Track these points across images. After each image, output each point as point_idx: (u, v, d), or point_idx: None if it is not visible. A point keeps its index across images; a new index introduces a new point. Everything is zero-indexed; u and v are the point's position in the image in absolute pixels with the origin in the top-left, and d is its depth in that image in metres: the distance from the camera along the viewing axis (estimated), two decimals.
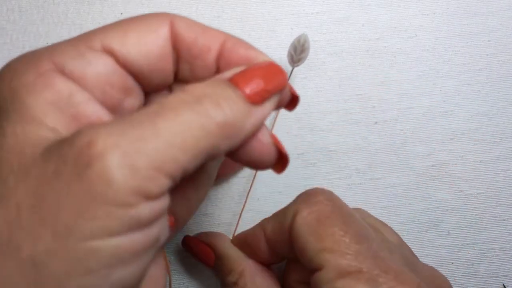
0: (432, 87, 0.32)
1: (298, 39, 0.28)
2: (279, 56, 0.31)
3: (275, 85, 0.20)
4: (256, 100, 0.19)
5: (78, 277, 0.15)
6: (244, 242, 0.27)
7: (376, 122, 0.32)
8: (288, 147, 0.30)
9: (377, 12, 0.32)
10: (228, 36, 0.21)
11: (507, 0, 0.33)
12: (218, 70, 0.21)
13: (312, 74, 0.32)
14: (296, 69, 0.30)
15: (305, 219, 0.23)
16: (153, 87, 0.21)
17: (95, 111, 0.18)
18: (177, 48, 0.20)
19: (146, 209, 0.16)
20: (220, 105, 0.17)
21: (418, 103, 0.32)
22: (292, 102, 0.23)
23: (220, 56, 0.21)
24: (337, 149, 0.31)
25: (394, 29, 0.32)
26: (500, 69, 0.32)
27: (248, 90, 0.18)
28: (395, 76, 0.32)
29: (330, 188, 0.31)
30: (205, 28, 0.21)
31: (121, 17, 0.31)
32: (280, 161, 0.21)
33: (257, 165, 0.20)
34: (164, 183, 0.16)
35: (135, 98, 0.21)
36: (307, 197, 0.24)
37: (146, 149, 0.15)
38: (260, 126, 0.19)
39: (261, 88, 0.19)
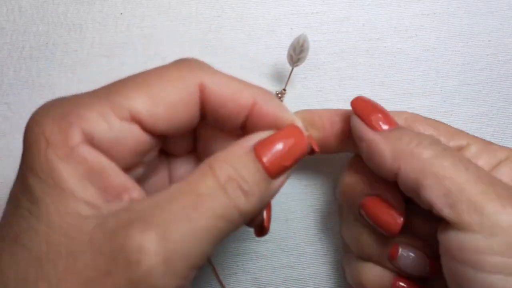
0: (432, 87, 0.32)
1: (297, 39, 0.28)
2: (279, 56, 0.32)
3: (295, 158, 0.21)
4: (276, 174, 0.20)
5: None
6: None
7: None
8: None
9: (377, 12, 0.32)
10: (258, 94, 0.21)
11: (507, 0, 0.33)
12: (243, 126, 0.22)
13: (312, 74, 0.32)
14: (296, 69, 0.30)
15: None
16: (174, 140, 0.22)
17: (121, 181, 0.19)
18: (205, 110, 0.21)
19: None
20: (244, 192, 0.19)
21: (418, 103, 0.32)
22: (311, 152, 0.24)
23: (248, 117, 0.21)
24: None
25: (394, 29, 0.32)
26: (500, 69, 0.32)
27: (268, 163, 0.20)
28: (395, 76, 0.32)
29: (331, 189, 0.31)
30: (235, 90, 0.21)
31: (121, 17, 0.31)
32: (261, 230, 0.24)
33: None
34: (192, 275, 0.18)
35: (154, 152, 0.22)
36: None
37: (184, 252, 0.17)
38: (275, 194, 0.21)
39: (281, 164, 0.20)
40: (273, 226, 0.31)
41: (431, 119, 0.26)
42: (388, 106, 0.32)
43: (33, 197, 0.18)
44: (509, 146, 0.32)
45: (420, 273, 0.24)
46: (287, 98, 0.31)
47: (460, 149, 0.25)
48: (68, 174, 0.18)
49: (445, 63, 0.32)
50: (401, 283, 0.24)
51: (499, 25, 0.33)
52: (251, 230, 0.31)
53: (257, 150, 0.20)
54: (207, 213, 0.18)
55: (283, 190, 0.31)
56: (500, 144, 0.32)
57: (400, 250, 0.24)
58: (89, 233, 0.17)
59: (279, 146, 0.20)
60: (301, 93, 0.32)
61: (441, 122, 0.26)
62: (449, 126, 0.26)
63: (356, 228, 0.26)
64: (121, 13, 0.32)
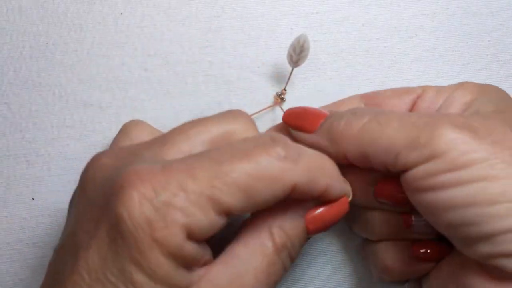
0: None
1: (297, 40, 0.28)
2: (279, 56, 0.31)
3: (334, 224, 0.23)
4: (314, 232, 0.23)
5: None
6: None
7: None
8: None
9: (377, 12, 0.32)
10: (331, 178, 0.22)
11: (507, 0, 0.33)
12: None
13: (312, 74, 0.32)
14: (296, 69, 0.30)
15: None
16: None
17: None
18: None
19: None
20: (291, 257, 0.22)
21: None
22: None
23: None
24: None
25: (394, 29, 0.32)
26: (500, 69, 0.32)
27: (313, 229, 0.22)
28: (395, 76, 0.32)
29: None
30: (316, 175, 0.21)
31: (121, 17, 0.31)
32: None
33: None
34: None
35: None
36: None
37: None
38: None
39: (321, 230, 0.23)
40: None
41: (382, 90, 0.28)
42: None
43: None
44: None
45: (434, 234, 0.25)
46: (287, 98, 0.31)
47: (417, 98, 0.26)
48: (172, 269, 0.19)
49: (445, 63, 0.32)
50: (421, 249, 0.25)
51: (499, 25, 0.33)
52: None
53: (308, 221, 0.22)
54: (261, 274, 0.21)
55: None
56: None
57: (413, 217, 0.25)
58: None
59: (327, 219, 0.23)
60: (301, 93, 0.32)
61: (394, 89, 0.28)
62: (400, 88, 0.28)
63: (366, 214, 0.27)
64: (121, 13, 0.32)
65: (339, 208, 0.23)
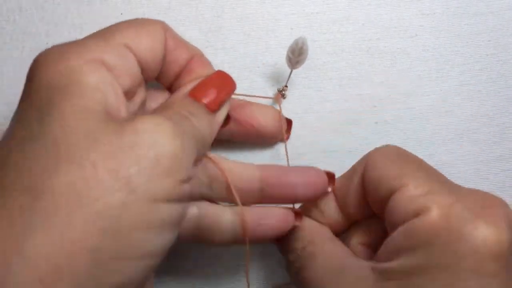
0: (432, 87, 0.32)
1: (296, 42, 0.28)
2: (279, 56, 0.31)
3: (226, 92, 0.25)
4: (214, 108, 0.24)
5: (140, 230, 0.19)
6: (311, 204, 0.28)
7: (376, 122, 0.32)
8: (289, 148, 0.30)
9: (377, 12, 0.32)
10: (196, 53, 0.26)
11: (507, 0, 0.33)
12: (178, 75, 0.26)
13: (312, 74, 0.32)
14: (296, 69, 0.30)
15: (382, 151, 0.25)
16: (147, 80, 0.25)
17: (123, 101, 0.22)
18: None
19: (188, 188, 0.21)
20: (198, 123, 0.23)
21: (418, 103, 0.32)
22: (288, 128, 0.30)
23: (185, 66, 0.26)
24: (337, 149, 0.31)
25: (394, 29, 0.32)
26: (500, 69, 0.32)
27: (205, 100, 0.24)
28: (395, 76, 0.32)
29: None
30: (182, 42, 0.26)
31: (121, 17, 0.31)
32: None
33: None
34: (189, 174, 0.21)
35: (142, 91, 0.24)
36: (377, 148, 0.26)
37: (190, 145, 0.21)
38: (219, 127, 0.25)
39: (215, 96, 0.24)
40: None
41: None
42: (388, 106, 0.32)
43: (44, 101, 0.20)
44: (509, 146, 0.32)
45: None
46: (288, 98, 0.31)
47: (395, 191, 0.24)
48: (89, 79, 0.20)
49: (445, 63, 0.32)
50: None
51: (499, 25, 0.33)
52: None
53: (193, 93, 0.24)
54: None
55: None
56: (500, 144, 0.32)
57: None
58: (109, 119, 0.20)
59: (209, 83, 0.24)
60: (301, 93, 0.32)
61: None
62: None
63: None
64: (121, 13, 0.32)
65: (217, 76, 0.25)
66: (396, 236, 0.22)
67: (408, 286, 0.21)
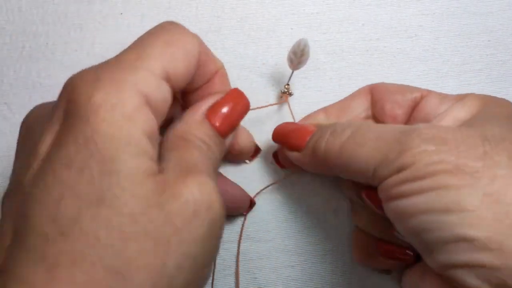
0: (432, 87, 0.32)
1: (298, 44, 0.28)
2: (279, 56, 0.32)
3: (239, 111, 0.25)
4: (225, 132, 0.24)
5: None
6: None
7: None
8: None
9: (377, 12, 0.32)
10: (220, 67, 0.26)
11: (507, 0, 0.33)
12: (200, 86, 0.25)
13: (312, 74, 0.32)
14: None
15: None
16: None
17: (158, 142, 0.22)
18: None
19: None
20: (208, 148, 0.23)
21: None
22: (255, 153, 0.31)
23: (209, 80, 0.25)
24: None
25: (394, 29, 0.32)
26: (500, 69, 0.32)
27: (219, 126, 0.24)
28: (395, 76, 0.32)
29: (330, 188, 0.31)
30: (211, 57, 0.25)
31: (121, 17, 0.31)
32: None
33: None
34: None
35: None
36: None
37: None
38: (227, 149, 0.25)
39: (228, 122, 0.24)
40: (273, 226, 0.31)
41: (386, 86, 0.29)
42: None
43: (105, 157, 0.18)
44: None
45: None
46: (289, 98, 0.31)
47: (418, 99, 0.27)
48: (138, 132, 0.19)
49: (445, 63, 0.32)
50: (385, 246, 0.27)
51: (499, 25, 0.33)
52: (251, 230, 0.31)
53: (209, 115, 0.24)
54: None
55: (283, 190, 0.31)
56: None
57: None
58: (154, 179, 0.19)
59: (225, 109, 0.24)
60: (301, 93, 0.32)
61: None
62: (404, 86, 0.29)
63: (359, 210, 0.29)
64: (121, 13, 0.32)
65: (232, 95, 0.25)
66: (440, 120, 0.25)
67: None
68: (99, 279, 0.17)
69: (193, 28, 0.32)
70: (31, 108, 0.23)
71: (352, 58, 0.32)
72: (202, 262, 0.20)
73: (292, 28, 0.32)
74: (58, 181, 0.18)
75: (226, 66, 0.31)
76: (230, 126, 0.24)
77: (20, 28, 0.31)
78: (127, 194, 0.18)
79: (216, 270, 0.31)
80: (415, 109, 0.27)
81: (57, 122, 0.20)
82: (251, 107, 0.26)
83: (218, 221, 0.20)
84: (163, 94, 0.21)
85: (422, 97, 0.27)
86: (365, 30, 0.32)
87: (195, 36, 0.23)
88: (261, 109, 0.30)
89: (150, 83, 0.20)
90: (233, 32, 0.32)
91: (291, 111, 0.30)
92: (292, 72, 0.30)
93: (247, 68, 0.32)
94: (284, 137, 0.28)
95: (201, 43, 0.24)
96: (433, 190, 0.20)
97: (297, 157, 0.27)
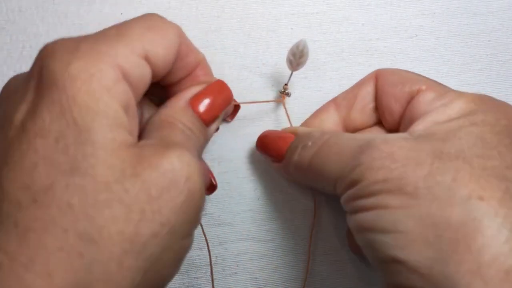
0: None
1: (297, 45, 0.28)
2: (279, 56, 0.32)
3: (222, 101, 0.26)
4: (209, 121, 0.25)
5: (172, 266, 0.21)
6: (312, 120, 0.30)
7: None
8: None
9: (377, 12, 0.32)
10: (201, 59, 0.26)
11: (507, 0, 0.33)
12: (181, 78, 0.26)
13: (312, 74, 0.32)
14: None
15: (389, 68, 0.28)
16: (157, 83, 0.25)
17: (137, 120, 0.22)
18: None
19: None
20: (192, 131, 0.23)
21: None
22: (234, 111, 0.29)
23: (193, 71, 0.26)
24: None
25: (394, 29, 0.32)
26: (500, 69, 0.32)
27: (204, 114, 0.24)
28: None
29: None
30: (193, 48, 0.25)
31: (121, 17, 0.31)
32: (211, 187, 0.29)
33: None
34: None
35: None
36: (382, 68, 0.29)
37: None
38: (211, 137, 0.26)
39: (212, 112, 0.25)
40: (273, 226, 0.31)
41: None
42: None
43: (81, 127, 0.18)
44: None
45: None
46: (287, 99, 0.31)
47: (415, 93, 0.26)
48: (115, 104, 0.19)
49: (445, 63, 0.32)
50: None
51: (499, 25, 0.33)
52: (251, 230, 0.31)
53: (192, 103, 0.24)
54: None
55: (282, 190, 0.31)
56: None
57: None
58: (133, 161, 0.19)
59: (209, 98, 0.25)
60: (301, 93, 0.32)
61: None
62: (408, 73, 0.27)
63: None
64: (121, 13, 0.32)
65: (216, 86, 0.25)
66: (433, 114, 0.23)
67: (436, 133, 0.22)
68: (70, 245, 0.17)
69: (193, 28, 0.32)
70: None
71: (352, 58, 0.32)
72: (181, 231, 0.20)
73: (292, 28, 0.32)
74: (32, 150, 0.18)
75: (226, 66, 0.31)
76: (213, 114, 0.25)
77: (20, 28, 0.31)
78: (102, 164, 0.18)
79: (216, 270, 0.31)
80: (410, 104, 0.26)
81: (32, 89, 0.19)
82: (247, 102, 0.27)
83: (198, 192, 0.20)
84: (141, 71, 0.21)
85: (418, 92, 0.25)
86: (365, 30, 0.32)
87: (176, 26, 0.24)
88: (259, 108, 0.30)
89: (129, 59, 0.20)
90: (233, 32, 0.32)
91: (286, 112, 0.30)
92: (292, 73, 0.30)
93: (247, 68, 0.32)
94: (265, 147, 0.29)
95: (181, 33, 0.24)
96: (374, 209, 0.21)
97: (277, 168, 0.29)
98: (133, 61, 0.21)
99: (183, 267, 0.31)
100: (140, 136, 0.23)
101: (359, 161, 0.22)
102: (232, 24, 0.32)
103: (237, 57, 0.32)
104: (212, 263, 0.31)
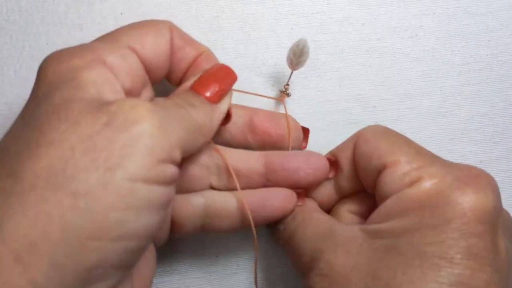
0: (432, 87, 0.32)
1: (297, 44, 0.28)
2: (279, 56, 0.32)
3: (227, 83, 0.25)
4: (215, 99, 0.24)
5: (118, 211, 0.19)
6: None
7: (376, 122, 0.32)
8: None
9: (377, 12, 0.32)
10: (204, 50, 0.27)
11: (507, 0, 0.33)
12: (186, 71, 0.26)
13: (312, 74, 0.32)
14: None
15: (373, 128, 0.27)
16: (155, 80, 0.26)
17: (122, 97, 0.22)
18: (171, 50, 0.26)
19: (172, 169, 0.21)
20: (196, 110, 0.23)
21: (418, 103, 0.32)
22: (305, 136, 0.30)
23: (192, 63, 0.26)
24: None
25: (394, 29, 0.32)
26: (500, 69, 0.32)
27: (207, 93, 0.24)
28: (395, 76, 0.32)
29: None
30: (190, 40, 0.26)
31: (121, 17, 0.32)
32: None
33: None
34: (179, 157, 0.21)
35: (148, 91, 0.26)
36: (368, 126, 0.28)
37: (173, 128, 0.21)
38: (222, 118, 0.25)
39: (216, 88, 0.24)
40: None
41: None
42: (388, 106, 0.32)
43: (44, 96, 0.20)
44: (509, 146, 0.32)
45: None
46: (287, 99, 0.31)
47: (382, 169, 0.25)
48: (87, 74, 0.21)
49: (445, 63, 0.32)
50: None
51: (499, 25, 0.33)
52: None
53: (194, 86, 0.24)
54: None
55: None
56: (500, 144, 0.32)
57: None
58: (90, 105, 0.20)
59: (211, 77, 0.25)
60: (301, 93, 0.32)
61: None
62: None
63: None
64: (121, 13, 0.32)
65: (219, 69, 0.25)
66: (388, 203, 0.23)
67: (398, 243, 0.22)
68: None
69: (193, 28, 0.32)
70: None
71: (352, 58, 0.32)
72: (126, 172, 0.19)
73: (292, 28, 0.32)
74: (12, 135, 0.20)
75: None
76: (217, 91, 0.24)
77: (20, 28, 0.31)
78: (46, 111, 0.20)
79: (216, 270, 0.31)
80: (377, 179, 0.25)
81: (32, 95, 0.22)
82: (248, 91, 0.28)
83: (144, 136, 0.20)
84: (125, 59, 0.23)
85: (385, 168, 0.24)
86: (365, 30, 0.32)
87: (165, 21, 0.25)
88: (259, 106, 0.30)
89: (106, 48, 0.23)
90: (233, 32, 0.32)
91: (286, 112, 0.30)
92: (292, 72, 0.30)
93: (247, 68, 0.32)
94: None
95: (173, 27, 0.25)
96: None
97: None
98: (111, 50, 0.23)
99: (183, 266, 0.31)
100: None
101: (310, 267, 0.24)
102: (232, 24, 0.32)
103: (237, 57, 0.32)
104: (212, 263, 0.31)
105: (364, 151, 0.26)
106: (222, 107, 0.25)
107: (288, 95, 0.31)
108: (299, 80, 0.32)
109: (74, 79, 0.21)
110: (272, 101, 0.31)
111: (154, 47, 0.24)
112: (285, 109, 0.30)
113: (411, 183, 0.23)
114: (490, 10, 0.33)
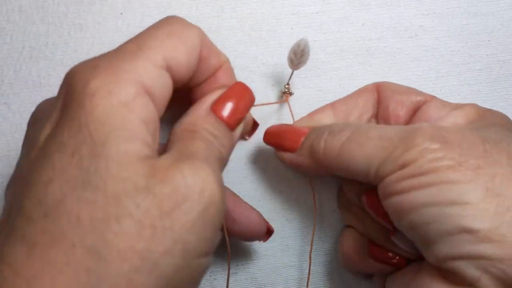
0: (432, 87, 0.32)
1: (298, 44, 0.28)
2: (279, 56, 0.32)
3: (246, 106, 0.25)
4: (234, 126, 0.24)
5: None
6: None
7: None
8: None
9: (377, 12, 0.32)
10: (224, 61, 0.26)
11: (507, 0, 0.33)
12: (203, 81, 0.25)
13: (312, 74, 0.32)
14: None
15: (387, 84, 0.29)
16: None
17: (158, 133, 0.21)
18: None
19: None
20: (223, 149, 0.23)
21: None
22: (252, 128, 0.30)
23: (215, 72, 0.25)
24: None
25: (394, 29, 0.32)
26: (500, 69, 0.32)
27: (230, 120, 0.23)
28: (395, 76, 0.32)
29: (330, 189, 0.31)
30: (214, 50, 0.25)
31: (121, 17, 0.31)
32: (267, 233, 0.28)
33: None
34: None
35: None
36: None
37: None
38: (236, 142, 0.25)
39: (236, 115, 0.24)
40: (273, 226, 0.31)
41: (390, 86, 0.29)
42: None
43: (96, 141, 0.18)
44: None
45: (410, 254, 0.26)
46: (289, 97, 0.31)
47: (421, 103, 0.28)
48: (132, 118, 0.19)
49: (445, 63, 0.32)
50: (378, 250, 0.27)
51: (499, 25, 0.33)
52: None
53: (215, 108, 0.23)
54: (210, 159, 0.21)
55: (282, 190, 0.31)
56: None
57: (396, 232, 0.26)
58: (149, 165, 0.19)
59: (231, 101, 0.24)
60: (301, 93, 0.32)
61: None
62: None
63: (358, 216, 0.28)
64: (121, 13, 0.32)
65: (236, 89, 0.25)
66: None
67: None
68: (78, 259, 0.17)
69: None
70: (31, 108, 0.23)
71: (352, 58, 0.32)
72: (195, 249, 0.19)
73: (292, 28, 0.32)
74: (49, 166, 0.18)
75: None
76: (237, 118, 0.24)
77: (20, 28, 0.31)
78: (113, 177, 0.18)
79: (216, 270, 0.31)
80: (417, 111, 0.27)
81: (57, 110, 0.20)
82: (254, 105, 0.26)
83: (213, 209, 0.20)
84: (163, 83, 0.21)
85: (425, 101, 0.27)
86: (365, 30, 0.32)
87: (197, 29, 0.23)
88: (262, 109, 0.30)
89: (149, 72, 0.20)
90: (233, 32, 0.32)
91: (291, 111, 0.30)
92: (292, 72, 0.30)
93: (247, 68, 0.32)
94: (277, 137, 0.28)
95: (203, 36, 0.24)
96: (436, 185, 0.21)
97: (290, 158, 0.27)
98: (154, 74, 0.21)
99: None
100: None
101: (412, 142, 0.22)
102: (232, 24, 0.32)
103: (237, 57, 0.32)
104: (212, 262, 0.31)
105: (401, 88, 0.28)
106: (238, 131, 0.25)
107: (291, 93, 0.31)
108: (299, 80, 0.32)
109: (125, 122, 0.19)
110: (275, 101, 0.31)
111: (187, 64, 0.22)
112: (290, 109, 0.30)
113: (460, 107, 0.26)
114: (490, 10, 0.33)
